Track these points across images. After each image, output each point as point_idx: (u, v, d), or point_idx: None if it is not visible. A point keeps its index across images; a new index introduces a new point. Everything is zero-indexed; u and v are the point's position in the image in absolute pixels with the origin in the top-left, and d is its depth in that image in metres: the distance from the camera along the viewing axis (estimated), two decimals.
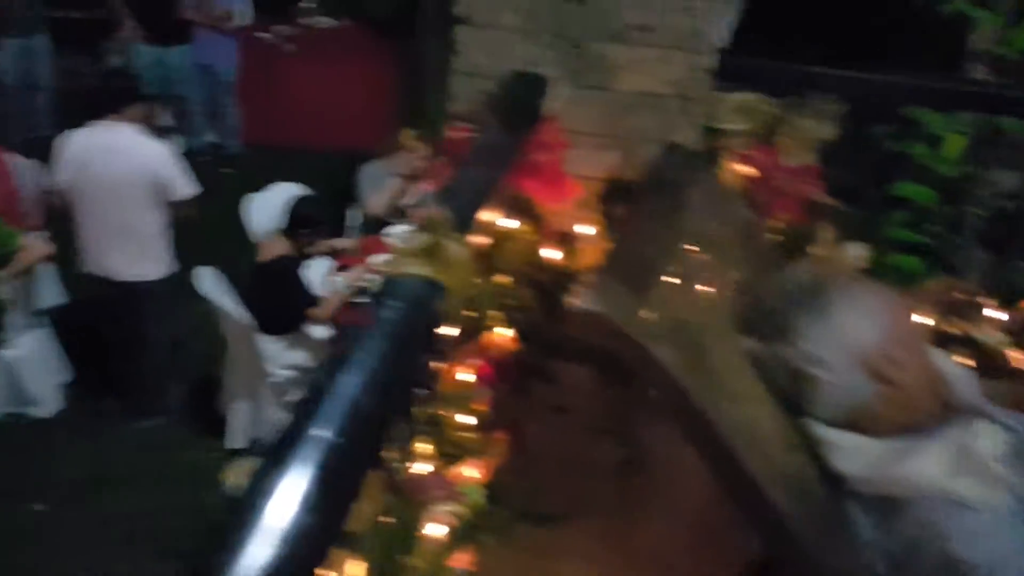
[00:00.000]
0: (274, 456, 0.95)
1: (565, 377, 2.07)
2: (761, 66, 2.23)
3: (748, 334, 1.44)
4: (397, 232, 4.44)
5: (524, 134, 1.91)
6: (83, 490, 3.73)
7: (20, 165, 4.44)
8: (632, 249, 2.00)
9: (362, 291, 3.88)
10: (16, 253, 3.71)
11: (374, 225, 4.61)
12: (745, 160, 2.15)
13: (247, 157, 6.36)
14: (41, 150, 4.32)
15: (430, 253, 1.32)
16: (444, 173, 1.88)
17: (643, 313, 1.79)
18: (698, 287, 1.82)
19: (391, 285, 1.30)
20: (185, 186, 3.88)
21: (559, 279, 1.98)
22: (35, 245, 3.81)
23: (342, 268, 4.11)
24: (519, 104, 1.95)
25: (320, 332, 3.98)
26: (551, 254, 1.99)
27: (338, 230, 4.65)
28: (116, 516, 3.58)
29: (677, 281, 1.82)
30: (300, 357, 3.93)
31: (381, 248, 4.30)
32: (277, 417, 3.94)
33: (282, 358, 3.89)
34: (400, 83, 6.61)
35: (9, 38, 5.84)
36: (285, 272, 3.80)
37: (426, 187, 4.67)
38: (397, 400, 1.24)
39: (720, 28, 2.03)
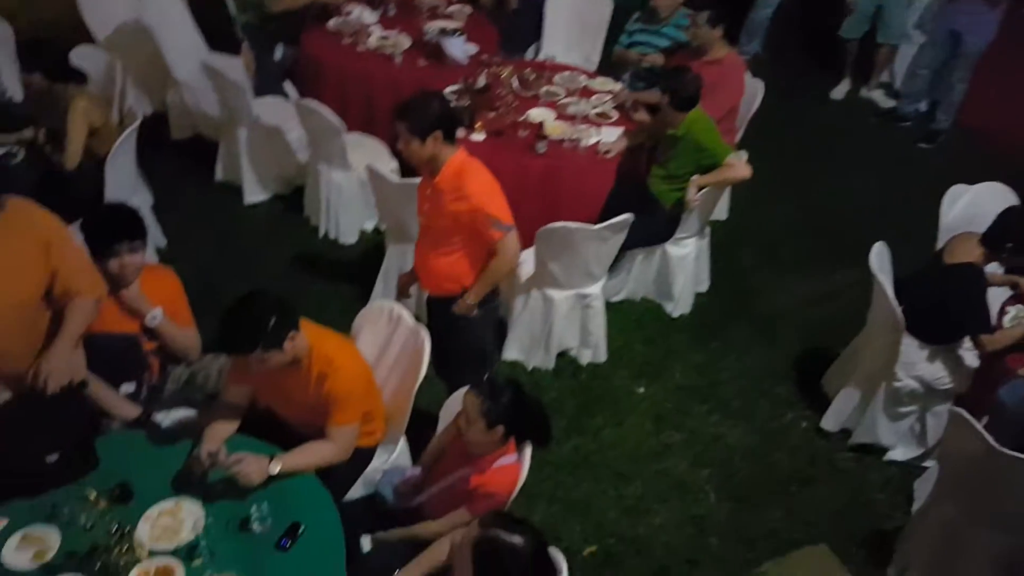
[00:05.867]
0: None
1: None
2: None
3: None
4: None
5: None
6: None
7: None
8: None
9: None
10: None
11: None
12: None
13: (952, 138, 5.79)
14: None
15: None
16: None
17: None
18: None
19: None
20: None
21: None
22: None
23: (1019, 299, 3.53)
24: None
25: (971, 359, 3.51)
26: None
27: None
28: None
29: None
30: (936, 373, 3.54)
31: None
32: (882, 423, 3.66)
33: (918, 367, 3.54)
34: None
35: None
36: (972, 281, 3.37)
37: None
38: None
39: None
